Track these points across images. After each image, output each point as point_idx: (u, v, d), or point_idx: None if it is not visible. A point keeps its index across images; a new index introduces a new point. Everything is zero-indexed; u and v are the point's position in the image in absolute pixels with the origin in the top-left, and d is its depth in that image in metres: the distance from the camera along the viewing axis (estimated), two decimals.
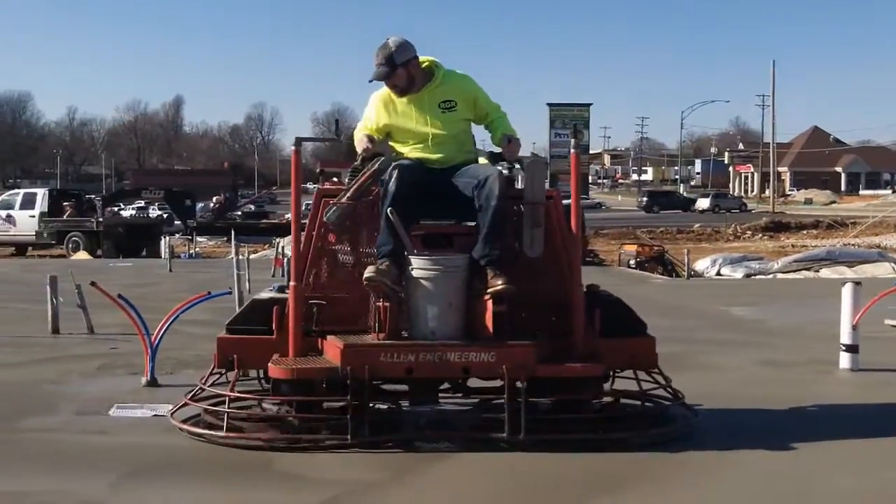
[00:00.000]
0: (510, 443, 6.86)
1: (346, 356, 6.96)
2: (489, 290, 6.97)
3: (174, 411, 7.88)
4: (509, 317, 7.07)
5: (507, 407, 6.88)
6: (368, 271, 7.11)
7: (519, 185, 7.52)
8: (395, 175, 7.27)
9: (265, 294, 7.85)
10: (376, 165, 7.34)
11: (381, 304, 7.10)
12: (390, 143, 7.70)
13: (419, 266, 7.06)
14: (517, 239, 7.29)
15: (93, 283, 10.07)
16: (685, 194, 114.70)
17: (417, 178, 7.33)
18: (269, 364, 7.24)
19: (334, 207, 7.38)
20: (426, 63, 7.57)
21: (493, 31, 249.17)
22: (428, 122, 7.51)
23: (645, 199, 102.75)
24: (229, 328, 7.69)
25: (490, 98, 7.68)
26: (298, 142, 7.66)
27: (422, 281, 7.06)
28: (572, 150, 7.62)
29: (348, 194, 7.35)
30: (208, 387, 7.73)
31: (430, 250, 7.33)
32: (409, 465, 6.73)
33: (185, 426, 7.53)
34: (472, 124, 7.70)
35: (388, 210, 7.13)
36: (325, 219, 7.47)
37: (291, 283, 7.45)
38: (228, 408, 7.44)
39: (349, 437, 6.96)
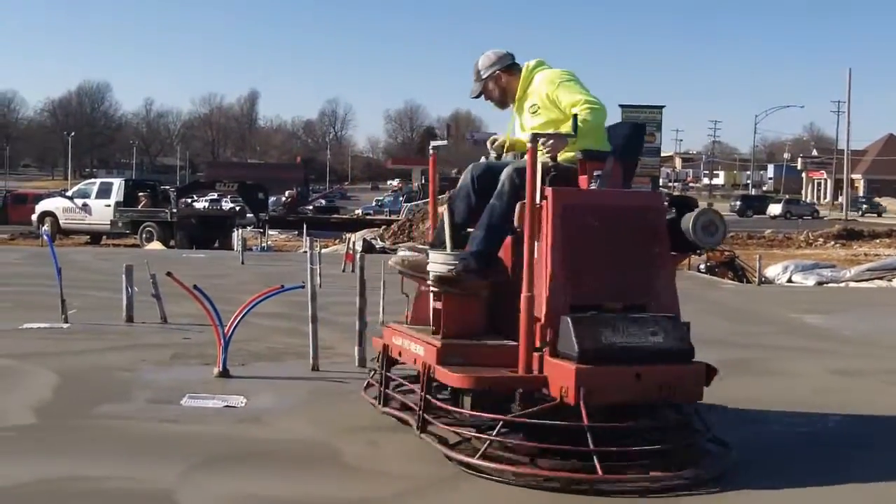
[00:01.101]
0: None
1: (383, 335, 7.74)
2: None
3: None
4: (460, 314, 7.05)
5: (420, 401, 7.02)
6: (393, 259, 7.65)
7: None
8: (463, 175, 7.47)
9: None
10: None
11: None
12: None
13: (430, 261, 7.20)
14: None
15: (169, 274, 10.18)
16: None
17: (489, 178, 7.31)
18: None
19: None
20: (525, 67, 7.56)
21: (568, 29, 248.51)
22: (522, 128, 7.51)
23: (738, 202, 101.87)
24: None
25: (576, 91, 7.17)
26: (435, 149, 8.07)
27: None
28: (529, 145, 6.83)
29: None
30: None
31: None
32: None
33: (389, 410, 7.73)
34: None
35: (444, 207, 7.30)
36: None
37: None
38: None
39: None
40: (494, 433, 6.50)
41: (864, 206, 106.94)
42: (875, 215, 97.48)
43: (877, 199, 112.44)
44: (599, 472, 6.11)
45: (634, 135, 7.51)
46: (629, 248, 6.86)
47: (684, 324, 6.64)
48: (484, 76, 7.52)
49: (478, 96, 7.63)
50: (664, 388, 6.35)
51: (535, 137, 6.72)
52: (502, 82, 7.51)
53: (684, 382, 6.44)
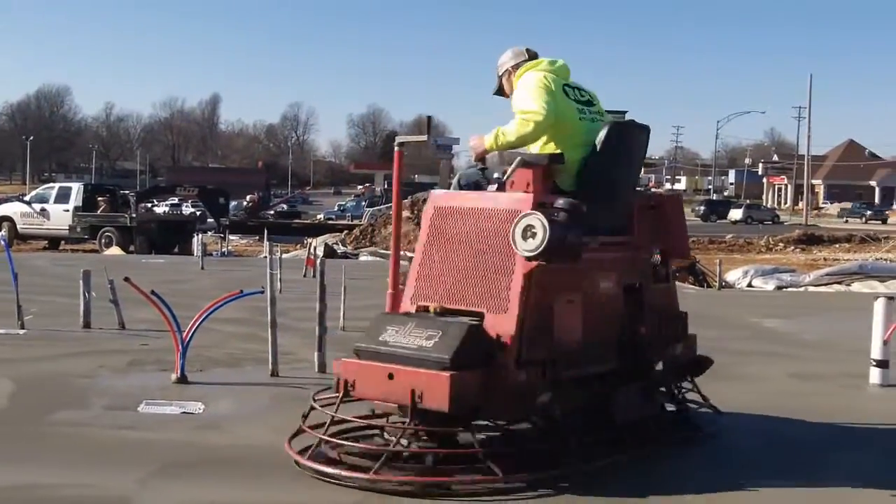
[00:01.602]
0: None
1: None
2: None
3: None
4: None
5: None
6: None
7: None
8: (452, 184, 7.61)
9: None
10: None
11: None
12: None
13: None
14: None
15: (127, 279, 10.10)
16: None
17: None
18: None
19: None
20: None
21: (530, 35, 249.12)
22: None
23: (703, 207, 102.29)
24: None
25: (521, 101, 7.10)
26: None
27: None
28: (396, 149, 7.28)
29: None
30: None
31: None
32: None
33: None
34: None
35: None
36: None
37: None
38: None
39: None
40: (324, 432, 6.71)
41: (868, 212, 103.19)
42: (879, 222, 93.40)
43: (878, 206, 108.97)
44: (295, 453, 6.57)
45: (608, 137, 7.12)
46: (484, 253, 6.75)
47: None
48: (499, 73, 7.59)
49: (496, 93, 7.69)
50: (416, 391, 6.22)
51: (399, 143, 7.10)
52: (512, 81, 7.49)
53: (431, 389, 6.20)
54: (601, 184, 7.06)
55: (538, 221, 6.38)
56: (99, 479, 6.32)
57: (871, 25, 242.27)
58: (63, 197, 42.33)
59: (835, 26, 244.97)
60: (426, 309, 6.68)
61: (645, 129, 7.60)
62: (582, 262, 6.65)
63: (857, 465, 7.13)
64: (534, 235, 6.39)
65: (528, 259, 6.40)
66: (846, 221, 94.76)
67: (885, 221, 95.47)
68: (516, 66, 7.46)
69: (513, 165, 6.78)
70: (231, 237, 43.59)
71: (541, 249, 6.34)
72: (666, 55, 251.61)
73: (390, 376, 6.33)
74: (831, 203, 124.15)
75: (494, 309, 6.54)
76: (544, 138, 7.04)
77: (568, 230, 6.41)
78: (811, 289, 26.53)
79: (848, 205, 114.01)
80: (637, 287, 7.42)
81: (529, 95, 7.05)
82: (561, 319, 6.70)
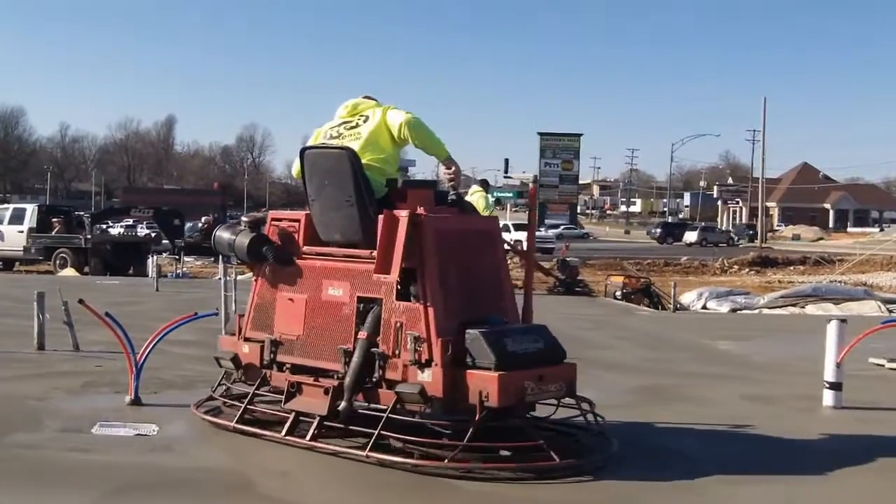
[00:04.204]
0: None
1: None
2: None
3: None
4: None
5: None
6: None
7: None
8: None
9: None
10: None
11: None
12: None
13: None
14: None
15: (81, 301, 10.05)
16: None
17: None
18: None
19: None
20: None
21: (486, 57, 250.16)
22: None
23: (659, 230, 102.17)
24: None
25: None
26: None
27: None
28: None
29: None
30: None
31: None
32: (399, 489, 6.73)
33: None
34: None
35: None
36: None
37: None
38: None
39: None
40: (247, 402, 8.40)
41: (703, 237, 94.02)
42: (724, 244, 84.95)
43: None
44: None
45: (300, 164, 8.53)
46: None
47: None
48: None
49: None
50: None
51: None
52: None
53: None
54: (310, 203, 8.39)
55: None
56: (52, 502, 6.29)
57: (826, 47, 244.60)
58: (17, 218, 42.00)
59: (789, 47, 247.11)
60: None
61: (332, 155, 8.10)
62: (296, 266, 8.44)
63: (805, 488, 7.18)
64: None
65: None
66: None
67: None
68: None
69: None
70: (186, 258, 43.40)
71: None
72: (621, 78, 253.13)
73: None
74: (786, 226, 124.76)
75: None
76: None
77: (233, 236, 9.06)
78: (765, 311, 26.69)
79: None
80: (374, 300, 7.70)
81: None
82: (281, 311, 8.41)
